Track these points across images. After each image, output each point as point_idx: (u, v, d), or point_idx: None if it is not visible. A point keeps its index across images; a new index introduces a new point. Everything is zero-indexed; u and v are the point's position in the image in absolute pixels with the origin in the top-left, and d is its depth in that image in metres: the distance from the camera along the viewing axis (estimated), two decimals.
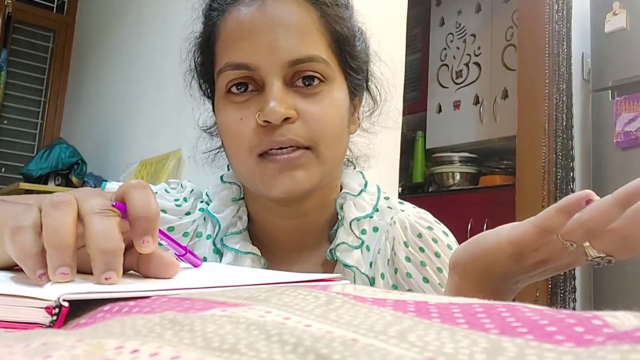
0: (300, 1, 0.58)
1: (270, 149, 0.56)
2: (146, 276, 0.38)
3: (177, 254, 0.44)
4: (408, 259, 0.61)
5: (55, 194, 0.36)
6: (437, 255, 0.61)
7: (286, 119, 0.55)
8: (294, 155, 0.55)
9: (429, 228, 0.63)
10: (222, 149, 0.68)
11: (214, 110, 0.65)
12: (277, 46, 0.55)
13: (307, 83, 0.57)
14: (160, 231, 0.38)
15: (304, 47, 0.56)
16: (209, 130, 0.69)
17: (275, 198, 0.58)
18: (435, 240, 0.62)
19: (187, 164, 1.90)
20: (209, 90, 0.66)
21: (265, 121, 0.54)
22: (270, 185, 0.56)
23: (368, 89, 0.68)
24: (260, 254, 0.62)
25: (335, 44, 0.60)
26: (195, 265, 0.45)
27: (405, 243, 0.62)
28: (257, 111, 0.55)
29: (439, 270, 0.61)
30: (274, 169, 0.56)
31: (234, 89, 0.57)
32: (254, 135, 0.56)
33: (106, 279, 0.32)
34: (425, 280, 0.60)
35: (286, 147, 0.55)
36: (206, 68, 0.63)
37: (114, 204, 0.35)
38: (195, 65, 0.65)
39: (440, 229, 0.64)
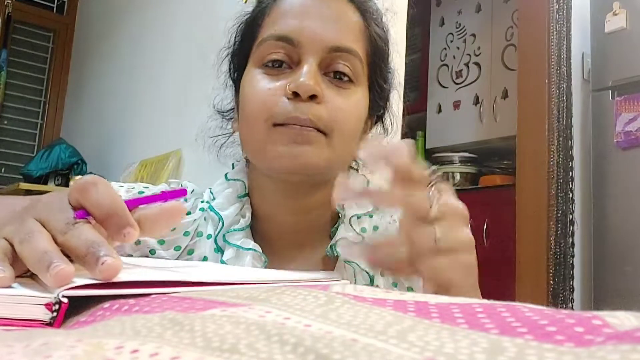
0: (352, 7, 0.62)
1: (288, 123, 0.56)
2: (157, 235, 0.37)
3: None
4: None
5: (17, 224, 0.34)
6: None
7: (313, 96, 0.56)
8: (307, 131, 0.56)
9: None
10: (232, 135, 0.69)
11: (237, 92, 0.66)
12: (322, 31, 0.59)
13: (338, 77, 0.59)
14: (130, 202, 0.36)
15: (346, 39, 0.60)
16: (223, 113, 0.71)
17: (279, 169, 0.58)
18: None
19: (187, 164, 1.90)
20: (236, 75, 0.67)
21: (293, 92, 0.56)
22: (278, 155, 0.57)
23: (382, 118, 0.70)
24: (261, 251, 0.62)
25: (370, 54, 0.63)
26: (182, 194, 0.43)
27: None
28: (287, 83, 0.57)
29: None
30: (284, 140, 0.56)
31: (269, 64, 0.59)
32: (277, 104, 0.57)
33: (103, 267, 0.31)
34: None
35: (304, 126, 0.56)
36: (243, 46, 0.65)
37: (75, 215, 0.34)
38: (233, 43, 0.67)
39: None
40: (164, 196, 0.41)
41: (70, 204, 0.36)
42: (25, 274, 0.35)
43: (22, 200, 0.39)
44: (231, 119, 0.70)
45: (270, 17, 0.62)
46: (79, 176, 2.53)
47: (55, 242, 0.33)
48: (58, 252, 0.32)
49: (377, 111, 0.68)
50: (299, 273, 0.40)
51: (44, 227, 0.34)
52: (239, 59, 0.66)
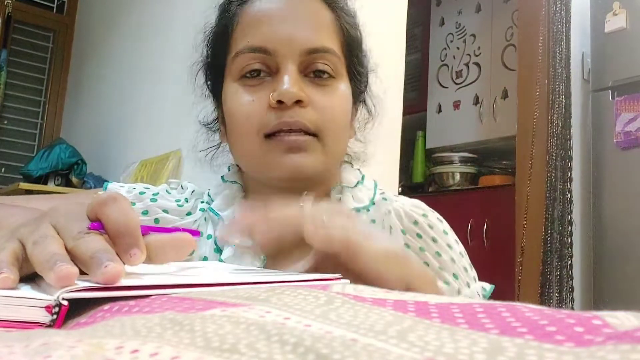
0: (320, 3, 0.62)
1: (279, 131, 0.57)
2: (163, 263, 0.37)
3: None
4: (407, 246, 0.62)
5: (33, 226, 0.35)
6: (434, 240, 0.63)
7: (298, 102, 0.57)
8: (300, 139, 0.57)
9: (424, 215, 0.65)
10: (221, 145, 0.69)
11: (217, 103, 0.66)
12: (296, 35, 0.58)
13: (318, 75, 0.60)
14: (145, 228, 0.37)
15: (321, 39, 0.60)
16: (208, 126, 0.70)
17: (279, 179, 0.59)
18: (431, 227, 0.63)
19: (187, 164, 1.90)
20: (212, 86, 0.67)
21: (278, 101, 0.56)
22: (274, 166, 0.58)
23: (365, 102, 0.70)
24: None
25: (346, 45, 0.63)
26: (196, 234, 0.44)
27: (402, 231, 0.63)
28: (270, 93, 0.57)
29: (438, 254, 0.62)
30: (279, 150, 0.57)
31: (247, 75, 0.59)
32: (264, 115, 0.57)
33: (106, 270, 0.32)
34: (426, 264, 0.61)
35: (294, 131, 0.57)
36: (216, 58, 0.65)
37: (89, 225, 0.35)
38: (206, 56, 0.67)
39: (434, 216, 0.66)
40: (179, 230, 0.42)
41: (88, 215, 0.36)
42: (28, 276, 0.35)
43: (45, 204, 0.39)
44: (217, 130, 0.70)
45: (241, 26, 0.61)
46: (79, 176, 2.53)
47: (66, 248, 0.33)
48: (66, 256, 0.32)
49: (359, 98, 0.68)
50: (300, 274, 0.40)
51: (57, 233, 0.34)
52: (215, 72, 0.66)
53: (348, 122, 0.63)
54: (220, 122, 0.67)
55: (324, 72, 0.59)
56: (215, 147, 0.71)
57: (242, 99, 0.59)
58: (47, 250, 0.32)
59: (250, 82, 0.59)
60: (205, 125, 0.71)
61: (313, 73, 0.59)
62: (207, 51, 0.67)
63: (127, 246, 0.34)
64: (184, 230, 0.43)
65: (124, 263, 0.35)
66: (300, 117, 0.57)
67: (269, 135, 0.57)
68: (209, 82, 0.68)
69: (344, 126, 0.62)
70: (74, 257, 0.33)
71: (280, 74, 0.58)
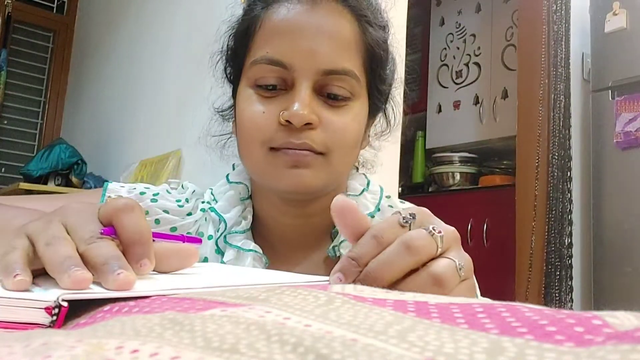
0: (347, 15, 0.60)
1: (284, 148, 0.57)
2: (167, 272, 0.39)
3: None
4: None
5: (43, 225, 0.35)
6: None
7: (307, 124, 0.56)
8: (304, 153, 0.56)
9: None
10: (233, 135, 0.69)
11: (233, 94, 0.66)
12: (316, 52, 0.57)
13: (333, 96, 0.58)
14: (154, 234, 0.37)
15: (341, 60, 0.58)
16: (222, 113, 0.70)
17: (281, 191, 0.59)
18: None
19: (187, 164, 1.90)
20: (231, 76, 0.67)
21: (287, 121, 0.55)
22: (277, 178, 0.57)
23: (385, 111, 0.70)
24: (262, 252, 0.62)
25: (368, 64, 0.62)
26: (198, 242, 0.46)
27: None
28: (281, 109, 0.56)
29: None
30: (283, 163, 0.57)
31: (262, 87, 0.59)
32: (272, 131, 0.57)
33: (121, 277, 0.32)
34: None
35: (299, 150, 0.56)
36: (237, 54, 0.64)
37: (103, 230, 0.35)
38: (227, 49, 0.67)
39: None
40: (183, 238, 0.44)
41: (99, 217, 0.36)
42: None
43: (46, 204, 0.39)
44: (230, 118, 0.69)
45: (262, 31, 0.60)
46: (79, 176, 2.53)
47: (77, 250, 0.33)
48: (79, 260, 0.32)
49: (377, 112, 0.68)
50: (301, 276, 0.40)
51: (68, 233, 0.35)
52: (234, 64, 0.66)
53: (359, 140, 0.62)
54: (235, 115, 0.66)
55: (339, 94, 0.58)
56: (227, 136, 0.71)
57: (254, 108, 0.58)
58: (59, 253, 0.32)
59: (264, 92, 0.58)
60: (219, 112, 0.70)
61: (327, 94, 0.58)
62: (228, 44, 0.66)
63: (139, 256, 0.35)
64: (188, 239, 0.44)
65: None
66: (307, 139, 0.56)
67: (274, 148, 0.57)
68: (227, 72, 0.67)
69: (354, 145, 0.61)
70: (85, 261, 0.33)
71: (294, 92, 0.57)
